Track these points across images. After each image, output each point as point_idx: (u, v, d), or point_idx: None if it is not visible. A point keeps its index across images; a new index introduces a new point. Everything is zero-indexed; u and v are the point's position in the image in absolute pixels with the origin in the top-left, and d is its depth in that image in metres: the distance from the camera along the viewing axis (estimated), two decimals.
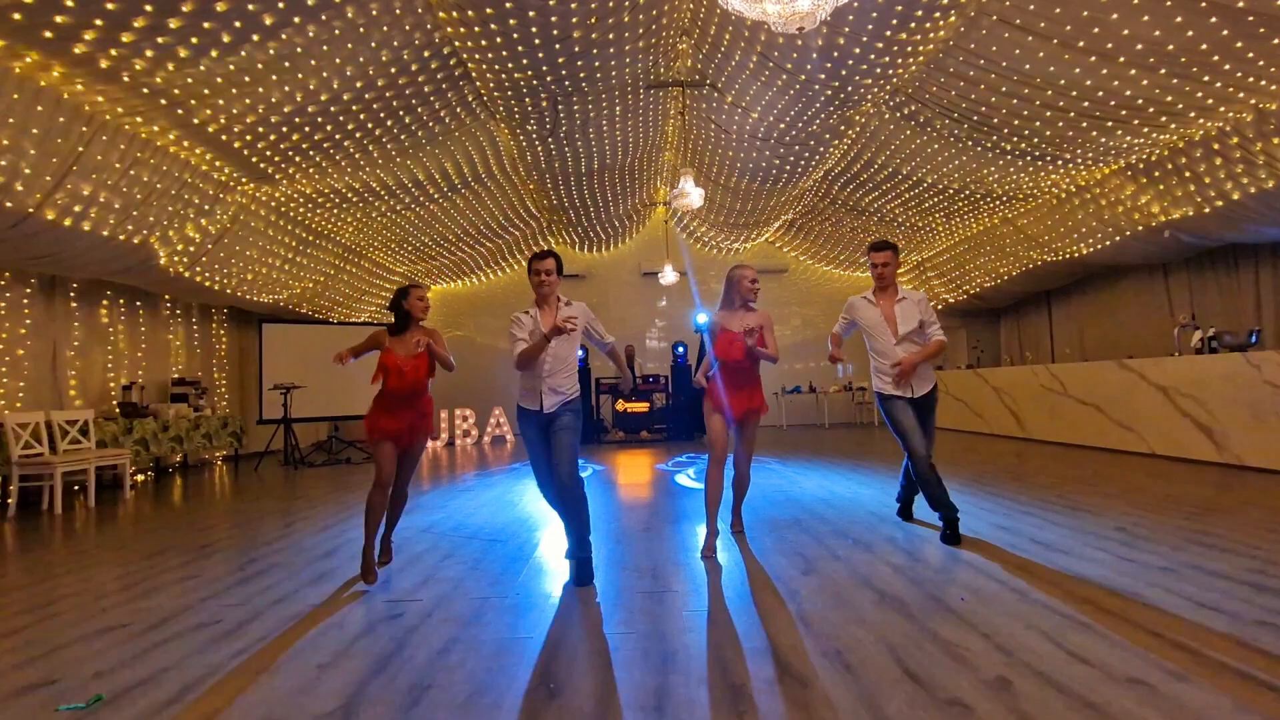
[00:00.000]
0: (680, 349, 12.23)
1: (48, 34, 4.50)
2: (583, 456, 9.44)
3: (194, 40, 4.97)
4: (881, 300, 4.14)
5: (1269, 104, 6.01)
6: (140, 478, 8.17)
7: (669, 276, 12.44)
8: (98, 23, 4.52)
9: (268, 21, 5.07)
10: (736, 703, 2.07)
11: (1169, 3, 5.14)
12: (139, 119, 5.74)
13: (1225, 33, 5.25)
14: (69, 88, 5.14)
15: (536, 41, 6.45)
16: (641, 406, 12.06)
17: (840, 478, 6.58)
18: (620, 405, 12.12)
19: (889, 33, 6.21)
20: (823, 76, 7.08)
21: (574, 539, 3.48)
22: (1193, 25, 5.28)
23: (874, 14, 5.98)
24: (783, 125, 8.40)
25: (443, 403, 12.86)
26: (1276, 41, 5.22)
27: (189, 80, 5.39)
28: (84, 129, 5.41)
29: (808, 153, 9.17)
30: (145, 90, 5.34)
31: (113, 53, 4.83)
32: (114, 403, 8.02)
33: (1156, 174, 7.58)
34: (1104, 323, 10.86)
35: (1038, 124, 7.10)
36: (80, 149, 5.44)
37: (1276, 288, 8.17)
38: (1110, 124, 6.81)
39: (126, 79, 5.14)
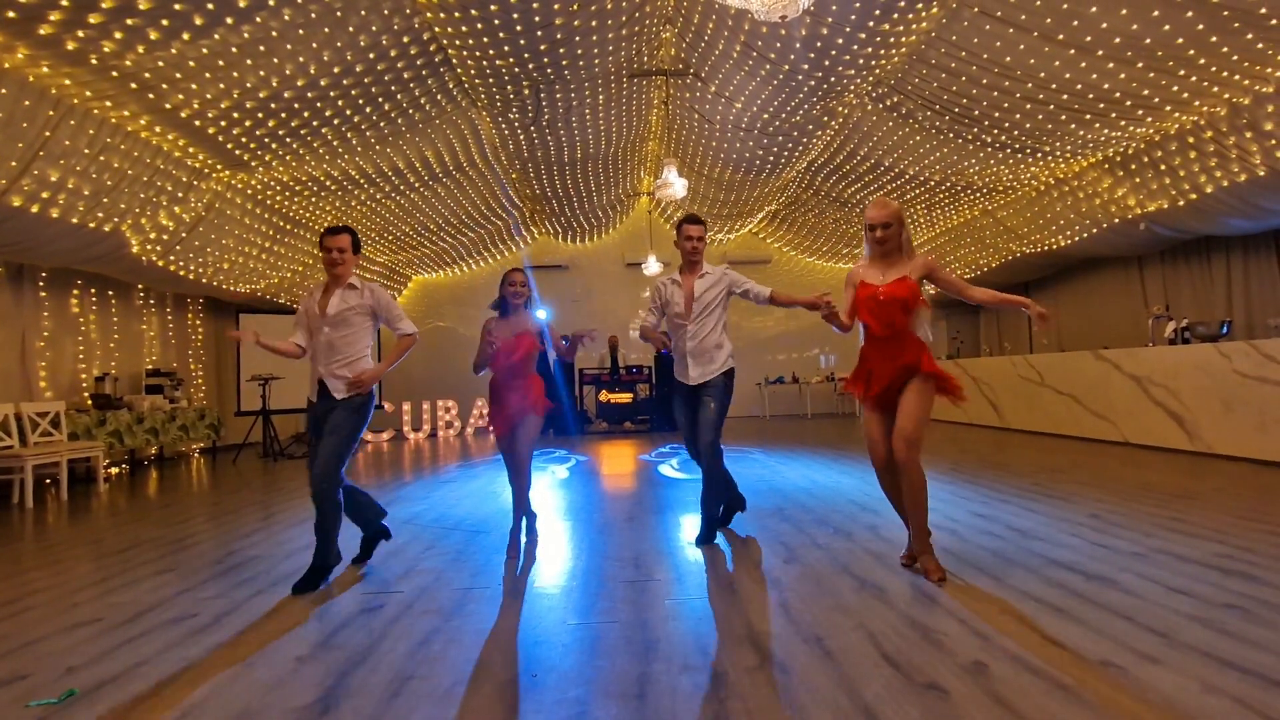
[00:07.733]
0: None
1: (11, 14, 4.35)
2: (566, 448, 9.42)
3: (164, 22, 4.83)
4: (685, 278, 3.98)
5: (1242, 98, 6.11)
6: (114, 471, 8.02)
7: (652, 267, 12.40)
8: (64, 3, 4.38)
9: (241, 4, 4.95)
10: (718, 689, 2.08)
11: None
12: (109, 103, 5.59)
13: (1200, 27, 5.31)
14: (35, 70, 4.99)
15: (518, 28, 6.37)
16: (625, 397, 12.06)
17: (822, 467, 6.63)
18: (604, 396, 12.11)
19: (871, 24, 6.22)
20: (806, 67, 7.08)
21: (320, 540, 3.29)
22: (1169, 19, 5.34)
23: (856, 4, 5.98)
24: (766, 116, 8.39)
25: (425, 394, 12.80)
26: (1250, 36, 5.29)
27: (160, 64, 5.25)
28: (51, 113, 5.26)
29: (791, 143, 9.18)
30: (115, 74, 5.19)
31: (80, 34, 4.69)
32: (85, 394, 7.85)
33: (1133, 167, 7.68)
34: (1081, 314, 11.02)
35: (1018, 116, 7.16)
36: (47, 134, 5.29)
37: (1247, 280, 8.34)
38: (1088, 117, 6.88)
39: (95, 62, 5.00)
